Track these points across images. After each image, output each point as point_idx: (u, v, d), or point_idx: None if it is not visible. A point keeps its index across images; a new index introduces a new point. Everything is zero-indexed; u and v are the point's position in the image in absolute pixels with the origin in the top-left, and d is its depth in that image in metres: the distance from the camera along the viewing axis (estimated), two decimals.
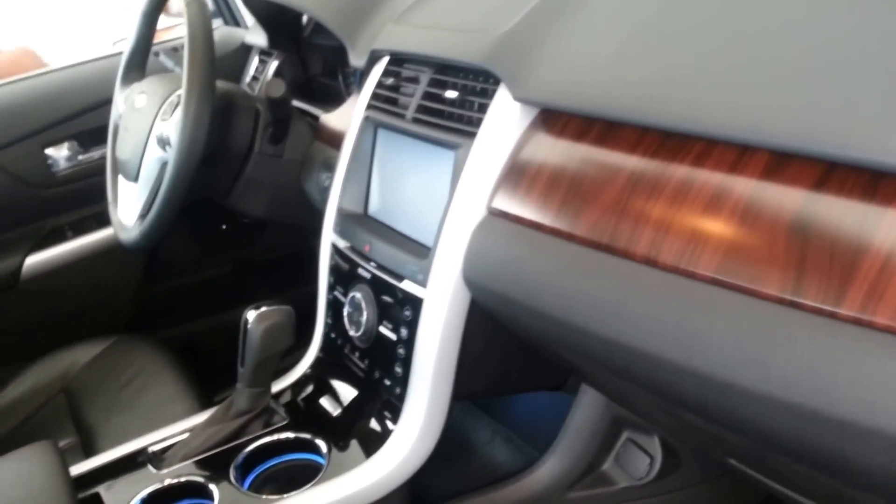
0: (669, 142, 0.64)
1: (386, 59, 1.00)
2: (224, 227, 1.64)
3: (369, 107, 0.99)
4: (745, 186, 0.55)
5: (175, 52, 1.54)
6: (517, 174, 0.76)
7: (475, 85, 0.83)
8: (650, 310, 0.59)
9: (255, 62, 1.59)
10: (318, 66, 1.46)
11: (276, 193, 1.16)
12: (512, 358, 0.88)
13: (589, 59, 0.73)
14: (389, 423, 0.87)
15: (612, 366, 0.69)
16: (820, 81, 0.53)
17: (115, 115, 1.27)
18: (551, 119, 0.76)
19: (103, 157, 1.40)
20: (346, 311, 0.95)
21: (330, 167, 1.08)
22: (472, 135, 0.80)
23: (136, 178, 1.13)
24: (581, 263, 0.66)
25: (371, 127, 0.99)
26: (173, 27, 1.73)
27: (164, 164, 1.06)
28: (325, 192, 1.08)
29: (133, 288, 1.62)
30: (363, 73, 1.15)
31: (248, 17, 1.66)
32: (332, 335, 1.01)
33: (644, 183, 0.63)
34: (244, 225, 1.64)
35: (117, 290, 1.61)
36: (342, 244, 0.98)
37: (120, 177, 1.23)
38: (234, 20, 1.75)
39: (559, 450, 0.93)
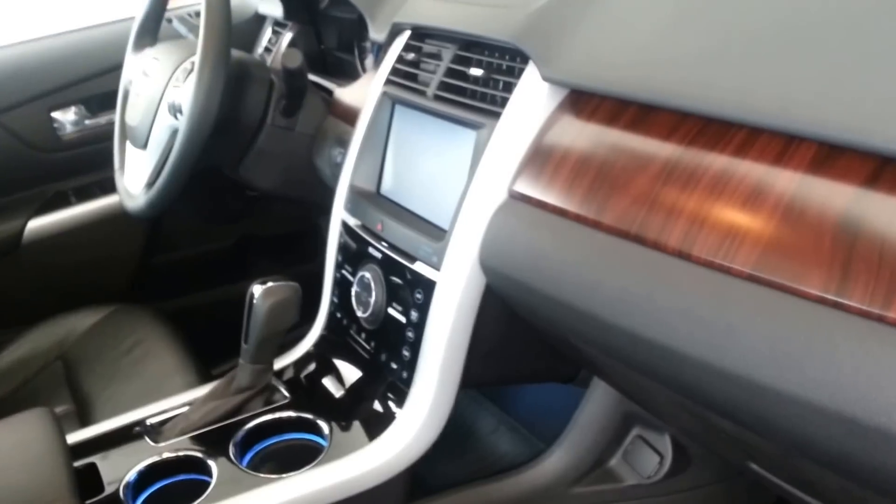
0: (709, 129, 0.61)
1: (407, 34, 0.97)
2: (229, 199, 1.61)
3: (388, 82, 0.96)
4: (789, 180, 0.53)
5: (189, 18, 1.51)
6: (542, 157, 0.73)
7: (501, 63, 0.80)
8: (680, 304, 0.56)
9: (268, 33, 1.56)
10: (333, 40, 1.43)
11: (286, 167, 1.13)
12: (524, 347, 0.86)
13: (624, 40, 0.70)
14: (394, 407, 0.85)
15: (633, 361, 0.66)
16: (882, 71, 0.50)
17: (125, 80, 1.24)
18: (581, 101, 0.73)
19: (111, 123, 1.37)
20: (353, 290, 0.92)
21: (343, 143, 1.05)
22: (496, 115, 0.77)
23: (144, 146, 1.10)
24: (607, 253, 0.63)
25: (388, 103, 0.96)
26: None
27: (174, 132, 1.03)
28: (337, 168, 1.05)
29: (135, 257, 1.60)
30: (381, 48, 1.12)
31: None
32: (338, 314, 0.98)
33: (679, 172, 0.61)
34: (250, 198, 1.61)
35: (119, 258, 1.59)
36: (353, 222, 0.96)
37: (128, 144, 1.20)
38: None
39: (566, 443, 0.91)
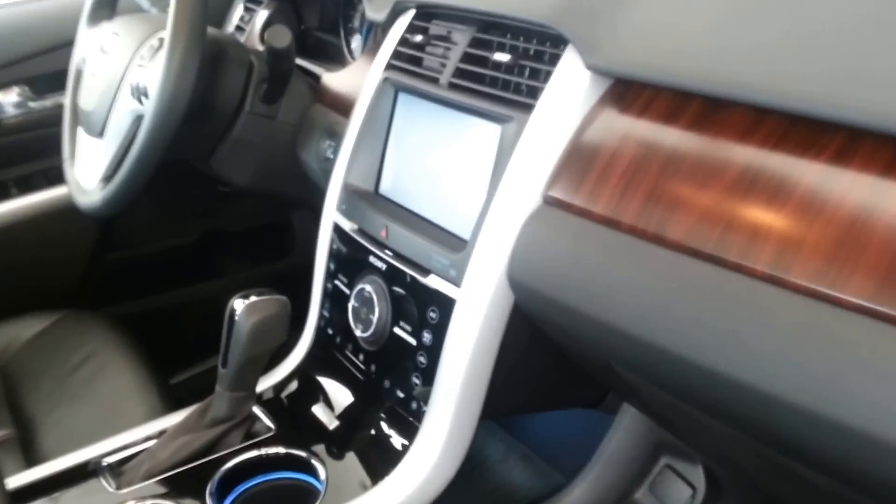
0: (797, 130, 0.51)
1: (411, 13, 0.85)
2: (195, 192, 1.47)
3: (389, 67, 0.84)
4: None
5: None
6: (585, 158, 0.63)
7: (532, 48, 0.69)
8: (774, 340, 0.47)
9: (239, 10, 1.42)
10: (314, 19, 1.30)
11: (265, 160, 1.00)
12: (549, 372, 0.75)
13: (689, 21, 0.60)
14: (401, 442, 0.74)
15: (700, 399, 0.57)
16: None
17: (77, 58, 1.09)
18: (630, 93, 0.62)
19: (59, 107, 1.22)
20: (351, 305, 0.80)
21: (334, 135, 0.93)
22: (527, 107, 0.66)
23: (101, 133, 0.96)
24: (674, 274, 0.53)
25: (390, 90, 0.84)
26: None
27: (137, 118, 0.89)
28: (328, 163, 0.93)
29: (85, 256, 1.44)
30: (373, 29, 1.00)
31: None
32: (330, 331, 0.86)
33: (764, 182, 0.51)
34: (217, 191, 1.47)
35: (67, 257, 1.42)
36: (348, 226, 0.84)
37: (80, 130, 1.05)
38: None
39: (591, 476, 0.81)
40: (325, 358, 0.87)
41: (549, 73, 0.66)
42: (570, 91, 0.65)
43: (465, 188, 0.72)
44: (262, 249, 1.59)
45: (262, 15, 1.31)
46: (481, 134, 0.71)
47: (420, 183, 0.79)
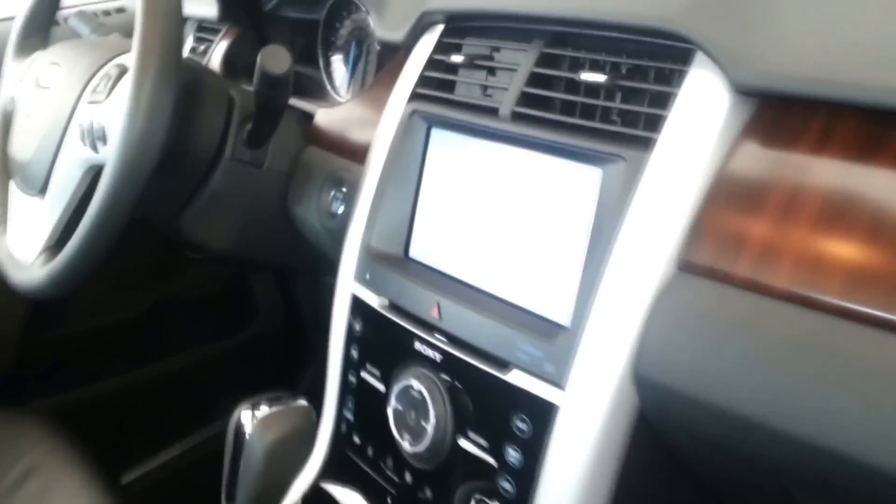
0: None
1: (440, 27, 0.68)
2: (148, 256, 1.24)
3: (415, 97, 0.67)
4: None
5: (96, 17, 1.14)
6: (739, 205, 0.46)
7: (638, 64, 0.53)
8: None
9: (188, 41, 1.22)
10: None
11: (249, 218, 0.80)
12: (672, 496, 0.58)
13: (856, 17, 0.45)
14: None
15: None
16: None
17: (5, 97, 0.87)
18: (792, 120, 0.46)
19: None
20: (392, 406, 0.61)
21: (341, 183, 0.74)
22: (643, 143, 0.50)
23: (41, 190, 0.74)
24: None
25: (420, 126, 0.66)
26: None
27: (91, 170, 0.69)
28: (334, 220, 0.74)
29: (11, 336, 1.18)
30: (359, 58, 0.84)
31: None
32: (358, 439, 0.66)
33: None
34: (169, 253, 1.25)
35: None
36: (376, 301, 0.65)
37: (13, 186, 0.82)
38: None
39: None
40: (350, 478, 0.67)
41: (669, 96, 0.50)
42: (705, 118, 0.48)
43: (550, 253, 0.54)
44: (220, 318, 1.37)
45: (220, 46, 1.11)
46: (570, 179, 0.54)
47: (475, 245, 0.60)
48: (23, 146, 0.77)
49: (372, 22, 0.77)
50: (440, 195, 0.64)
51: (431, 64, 0.67)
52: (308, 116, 0.84)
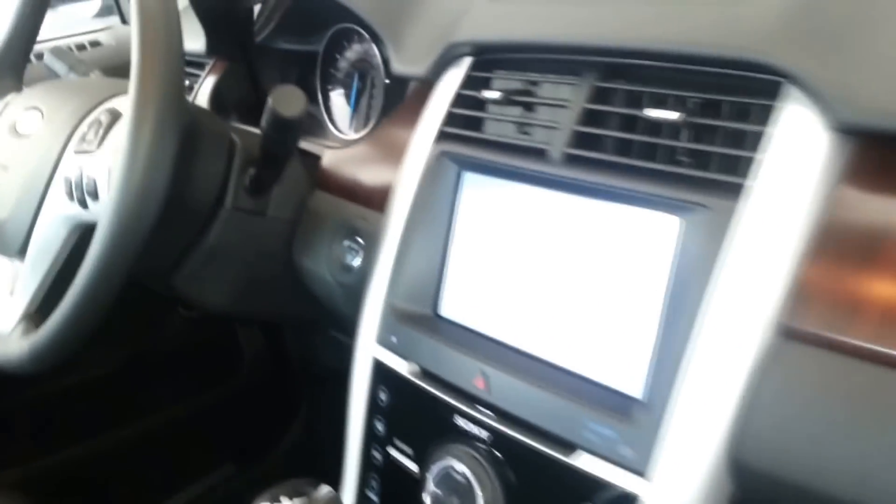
0: None
1: (468, 60, 0.61)
2: (119, 306, 1.14)
3: (442, 136, 0.60)
4: None
5: (72, 52, 1.05)
6: (851, 264, 0.40)
7: (716, 98, 0.46)
8: None
9: None
10: (276, 82, 1.03)
11: (252, 272, 0.71)
12: None
13: None
14: None
15: None
16: None
17: None
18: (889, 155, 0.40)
19: None
20: (429, 490, 0.53)
21: (356, 233, 0.67)
22: (732, 189, 0.43)
23: (20, 252, 0.65)
24: None
25: (451, 169, 0.59)
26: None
27: (77, 228, 0.60)
28: (349, 274, 0.66)
29: None
30: (362, 92, 0.78)
31: None
32: None
33: None
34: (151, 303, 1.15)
35: None
36: (405, 367, 0.57)
37: None
38: None
39: None
40: None
41: (759, 136, 0.43)
42: (804, 162, 0.42)
43: (615, 313, 0.47)
44: (201, 372, 1.27)
45: (208, 82, 1.04)
46: (639, 229, 0.47)
47: (521, 304, 0.53)
48: None
49: (388, 54, 0.70)
50: (476, 247, 0.57)
51: (460, 100, 0.60)
52: (312, 157, 0.76)
